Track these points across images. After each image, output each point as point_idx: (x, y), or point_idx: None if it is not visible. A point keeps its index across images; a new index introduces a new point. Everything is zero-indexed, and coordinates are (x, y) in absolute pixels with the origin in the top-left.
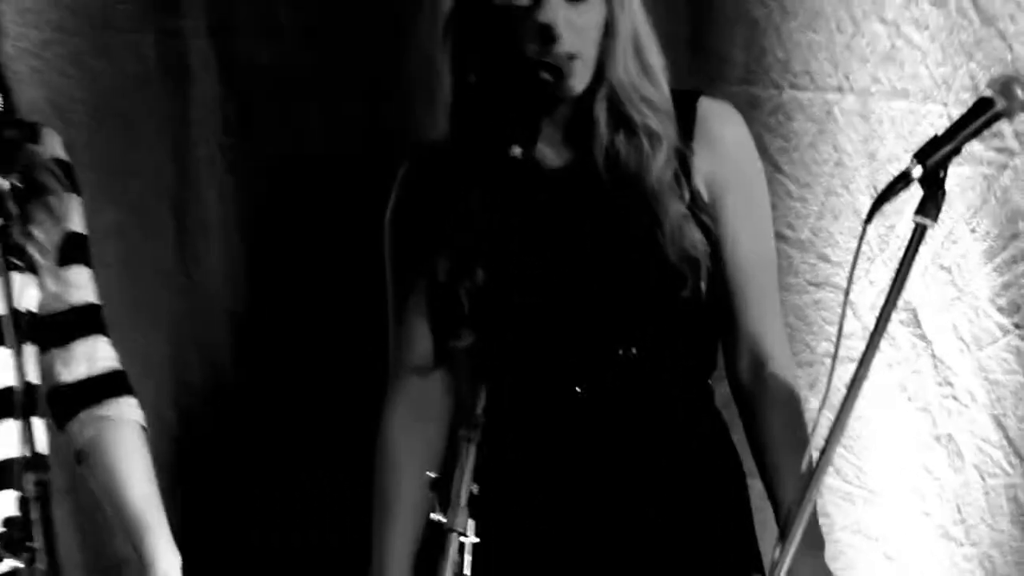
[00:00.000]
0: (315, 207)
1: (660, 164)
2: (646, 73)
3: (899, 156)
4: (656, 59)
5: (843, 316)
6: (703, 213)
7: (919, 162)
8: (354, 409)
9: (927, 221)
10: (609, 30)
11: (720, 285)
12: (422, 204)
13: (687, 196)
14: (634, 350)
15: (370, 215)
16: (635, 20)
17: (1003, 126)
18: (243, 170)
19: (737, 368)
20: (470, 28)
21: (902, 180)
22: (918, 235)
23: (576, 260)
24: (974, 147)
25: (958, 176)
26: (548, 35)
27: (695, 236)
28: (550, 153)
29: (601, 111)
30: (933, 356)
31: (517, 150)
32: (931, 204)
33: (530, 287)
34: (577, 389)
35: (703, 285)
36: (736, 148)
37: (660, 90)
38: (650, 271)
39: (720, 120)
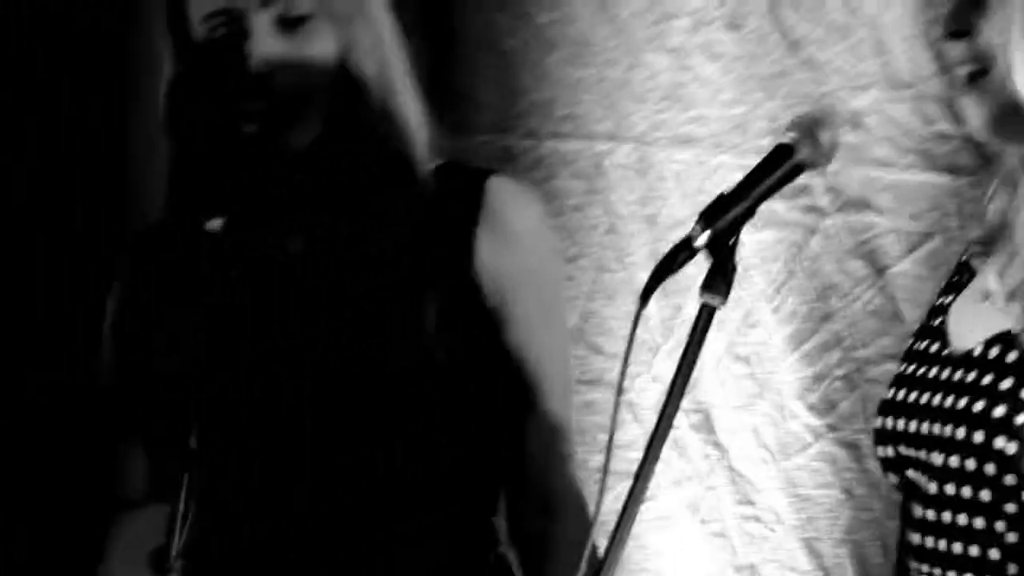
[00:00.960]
0: None
1: (415, 247)
2: (395, 121)
3: (684, 220)
4: (410, 105)
5: (614, 420)
6: (483, 311)
7: (704, 226)
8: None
9: (715, 300)
10: (345, 63)
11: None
12: (143, 304)
13: (463, 287)
14: (388, 462)
15: None
16: (383, 49)
17: (813, 180)
18: None
19: (520, 514)
20: (184, 79)
21: (684, 249)
22: (705, 318)
23: (317, 369)
24: (777, 206)
25: (758, 243)
26: (253, 75)
27: (466, 334)
28: (284, 228)
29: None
30: (730, 468)
31: (215, 223)
32: (719, 279)
33: (261, 406)
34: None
35: (473, 394)
36: (531, 241)
37: (412, 145)
38: (407, 373)
39: (513, 205)
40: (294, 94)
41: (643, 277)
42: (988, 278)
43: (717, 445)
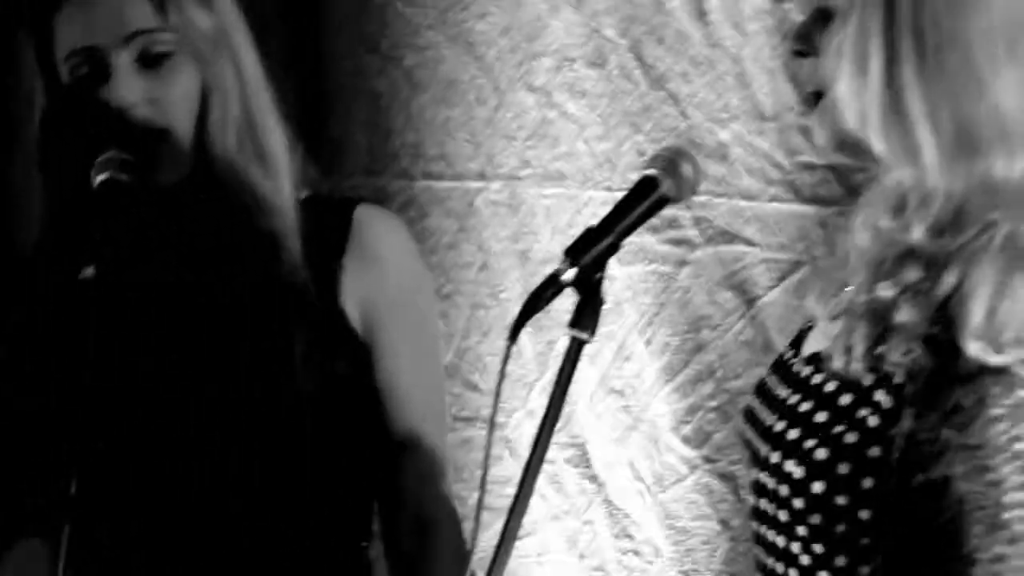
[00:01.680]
0: None
1: (282, 281)
2: (261, 161)
3: (556, 255)
4: (276, 144)
5: (487, 456)
6: (351, 342)
7: (571, 262)
8: None
9: (583, 334)
10: (208, 100)
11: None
12: (17, 350)
13: (330, 319)
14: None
15: None
16: (247, 88)
17: (681, 212)
18: None
19: (396, 533)
20: (50, 121)
21: (551, 285)
22: (574, 351)
23: (190, 403)
24: (646, 239)
25: (629, 277)
26: (118, 116)
27: (336, 366)
28: (154, 269)
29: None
30: (607, 502)
31: (89, 271)
32: (587, 313)
33: (137, 435)
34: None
35: (342, 427)
36: (398, 267)
37: (278, 185)
38: (276, 406)
39: (379, 233)
40: (157, 133)
41: (517, 313)
42: (811, 301)
43: (593, 479)
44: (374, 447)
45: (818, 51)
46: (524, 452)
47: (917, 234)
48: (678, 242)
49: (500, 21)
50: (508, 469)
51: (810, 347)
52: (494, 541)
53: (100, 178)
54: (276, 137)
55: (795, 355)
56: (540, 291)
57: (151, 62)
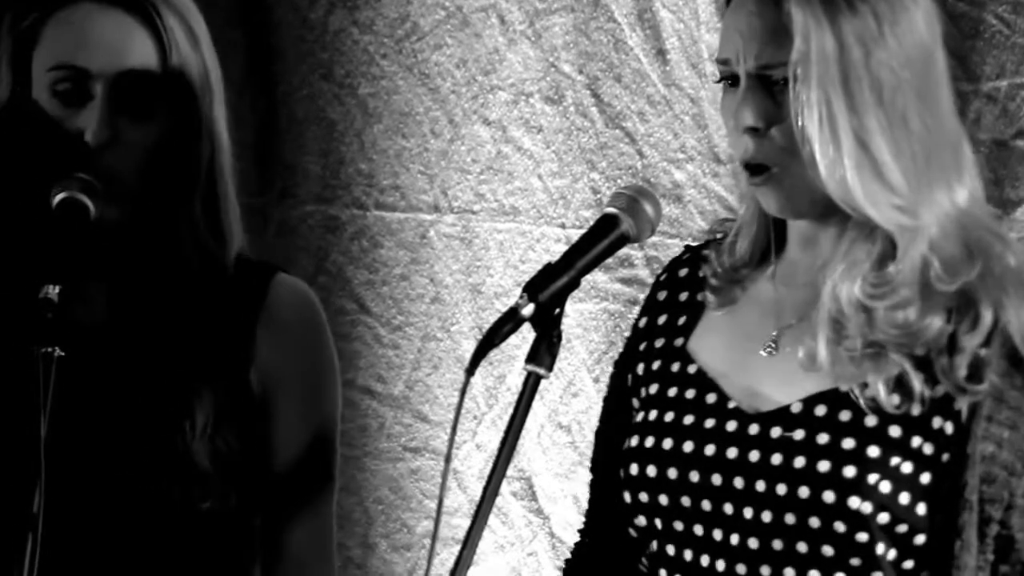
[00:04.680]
0: None
1: (202, 341)
2: (215, 216)
3: (509, 289)
4: (230, 204)
5: (443, 487)
6: (251, 412)
7: (530, 298)
8: None
9: (540, 370)
10: (177, 154)
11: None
12: None
13: (238, 388)
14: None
15: None
16: (216, 141)
17: (633, 251)
18: None
19: None
20: (17, 138)
21: (510, 320)
22: (531, 387)
23: (88, 460)
24: (598, 277)
25: (579, 314)
26: (83, 149)
27: (232, 436)
28: (92, 304)
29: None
30: (551, 535)
31: (53, 291)
32: (544, 349)
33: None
34: None
35: (234, 498)
36: (299, 337)
37: (225, 249)
38: (168, 475)
39: (291, 306)
40: (116, 174)
41: (468, 346)
42: (798, 349)
43: (539, 512)
44: (261, 520)
45: (769, 125)
46: (471, 484)
47: (939, 275)
48: (629, 281)
49: (456, 53)
50: (456, 500)
51: (785, 390)
52: (441, 569)
53: (59, 197)
54: (232, 197)
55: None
56: (499, 325)
57: (133, 104)
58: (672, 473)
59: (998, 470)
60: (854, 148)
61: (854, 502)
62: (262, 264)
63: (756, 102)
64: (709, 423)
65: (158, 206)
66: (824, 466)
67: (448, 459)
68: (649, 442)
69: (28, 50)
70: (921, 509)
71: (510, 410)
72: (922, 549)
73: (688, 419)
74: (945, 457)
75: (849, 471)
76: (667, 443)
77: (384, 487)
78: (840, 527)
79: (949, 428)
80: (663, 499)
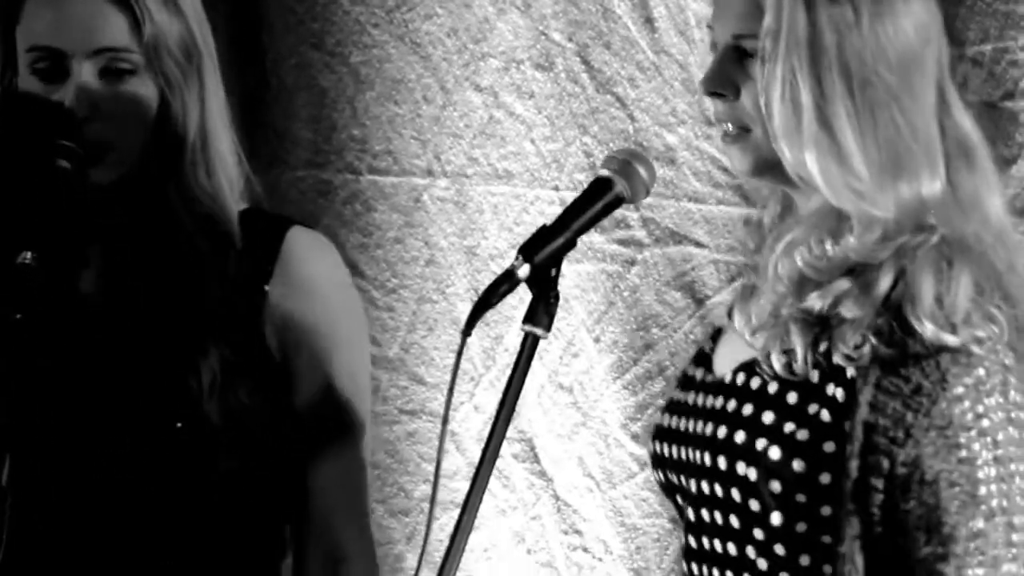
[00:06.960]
0: None
1: (206, 300)
2: (209, 178)
3: (504, 252)
4: (227, 161)
5: (441, 450)
6: (267, 368)
7: (525, 259)
8: None
9: (538, 331)
10: (165, 118)
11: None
12: None
13: (249, 345)
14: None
15: None
16: (207, 105)
17: (629, 213)
18: None
19: (306, 567)
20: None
21: (506, 281)
22: (528, 347)
23: (98, 421)
24: (595, 239)
25: (577, 275)
26: (69, 119)
27: (245, 393)
28: (88, 271)
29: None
30: (556, 497)
31: (28, 256)
32: (542, 310)
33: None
34: None
35: (255, 457)
36: (324, 295)
37: (222, 207)
38: (179, 435)
39: (306, 259)
40: (104, 144)
41: (463, 308)
42: (735, 315)
43: (542, 474)
44: (283, 476)
45: (737, 92)
46: (470, 446)
47: (857, 253)
48: (626, 242)
49: (447, 22)
50: (454, 463)
51: (727, 361)
52: (439, 535)
53: (47, 167)
54: (228, 156)
55: (707, 372)
56: (495, 286)
57: (113, 76)
58: (658, 447)
59: (880, 438)
60: (816, 128)
61: (740, 467)
62: (277, 218)
63: (722, 70)
64: (690, 398)
65: (150, 168)
66: (722, 432)
67: (445, 421)
68: (658, 419)
69: (12, 25)
70: (825, 478)
71: (508, 371)
72: (831, 520)
73: (678, 395)
74: (848, 426)
75: (739, 436)
76: (665, 420)
77: (381, 451)
78: (736, 495)
79: (840, 395)
80: (659, 475)
